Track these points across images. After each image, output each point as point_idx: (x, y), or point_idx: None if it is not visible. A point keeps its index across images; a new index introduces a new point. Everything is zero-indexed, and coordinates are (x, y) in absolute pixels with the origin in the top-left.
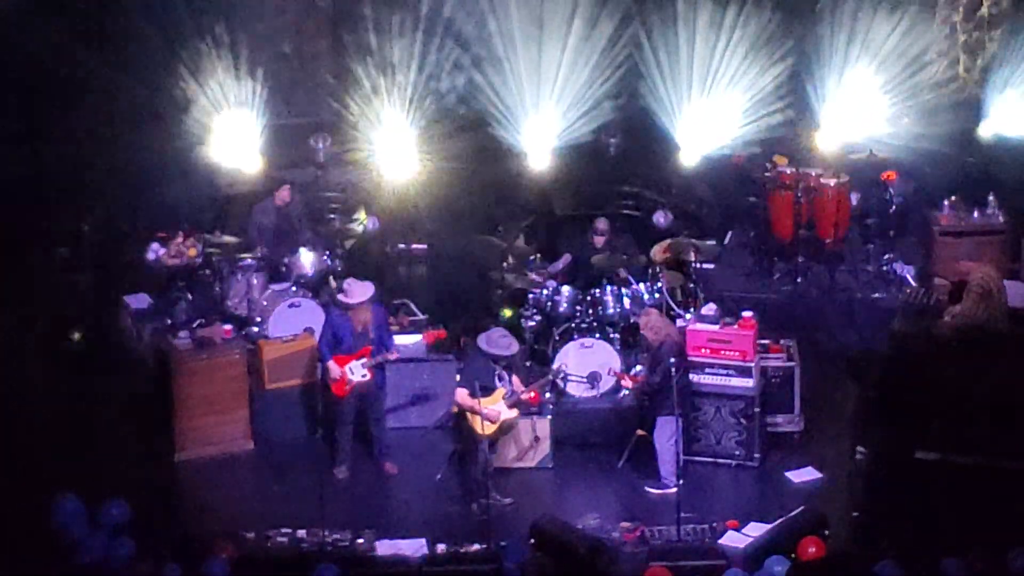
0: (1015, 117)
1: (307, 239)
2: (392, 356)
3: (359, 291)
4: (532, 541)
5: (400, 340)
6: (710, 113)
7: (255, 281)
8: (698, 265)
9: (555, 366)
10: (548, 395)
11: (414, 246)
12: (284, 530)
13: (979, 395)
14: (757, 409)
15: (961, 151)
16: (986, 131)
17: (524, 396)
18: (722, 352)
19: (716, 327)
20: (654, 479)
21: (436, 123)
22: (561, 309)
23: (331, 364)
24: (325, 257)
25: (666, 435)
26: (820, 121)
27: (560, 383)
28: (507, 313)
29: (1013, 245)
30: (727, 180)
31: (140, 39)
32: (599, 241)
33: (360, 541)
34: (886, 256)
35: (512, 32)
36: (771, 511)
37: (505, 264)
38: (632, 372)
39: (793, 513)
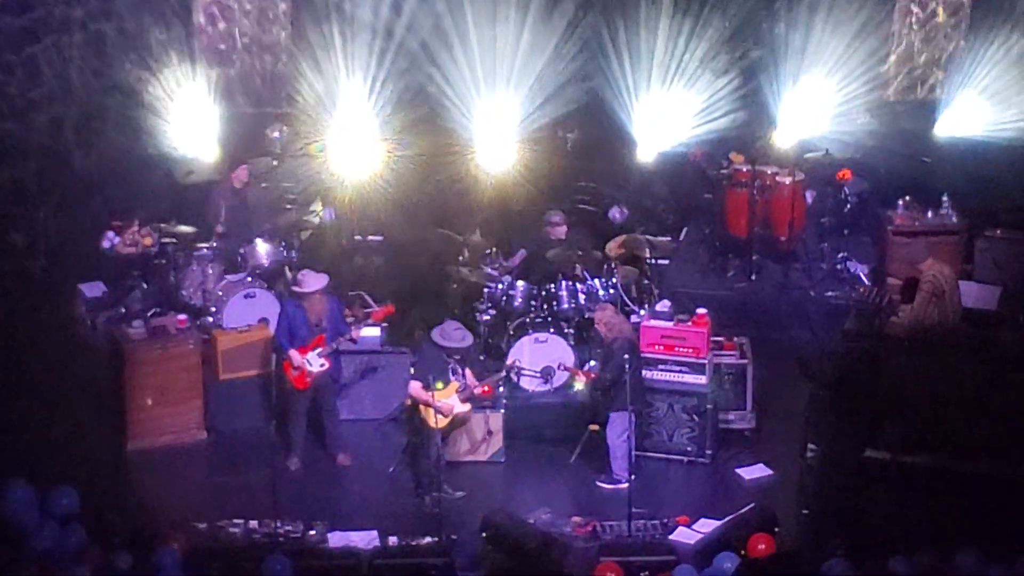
0: (970, 118)
1: (264, 229)
2: (354, 335)
3: (313, 280)
4: (483, 535)
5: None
6: (668, 110)
7: (210, 271)
8: (653, 261)
9: (509, 361)
10: (501, 389)
11: (370, 238)
12: (236, 521)
13: (930, 395)
14: (709, 406)
15: (916, 151)
16: (941, 132)
17: (477, 390)
18: (676, 349)
19: (670, 324)
20: (606, 474)
21: (393, 115)
22: (516, 304)
23: (293, 354)
24: (281, 248)
25: (618, 430)
26: (777, 119)
27: (514, 377)
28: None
29: (966, 246)
30: (683, 176)
31: (97, 26)
32: (556, 232)
33: (312, 533)
34: (840, 255)
35: (470, 28)
36: (722, 508)
37: (461, 258)
38: (586, 367)
39: (743, 510)
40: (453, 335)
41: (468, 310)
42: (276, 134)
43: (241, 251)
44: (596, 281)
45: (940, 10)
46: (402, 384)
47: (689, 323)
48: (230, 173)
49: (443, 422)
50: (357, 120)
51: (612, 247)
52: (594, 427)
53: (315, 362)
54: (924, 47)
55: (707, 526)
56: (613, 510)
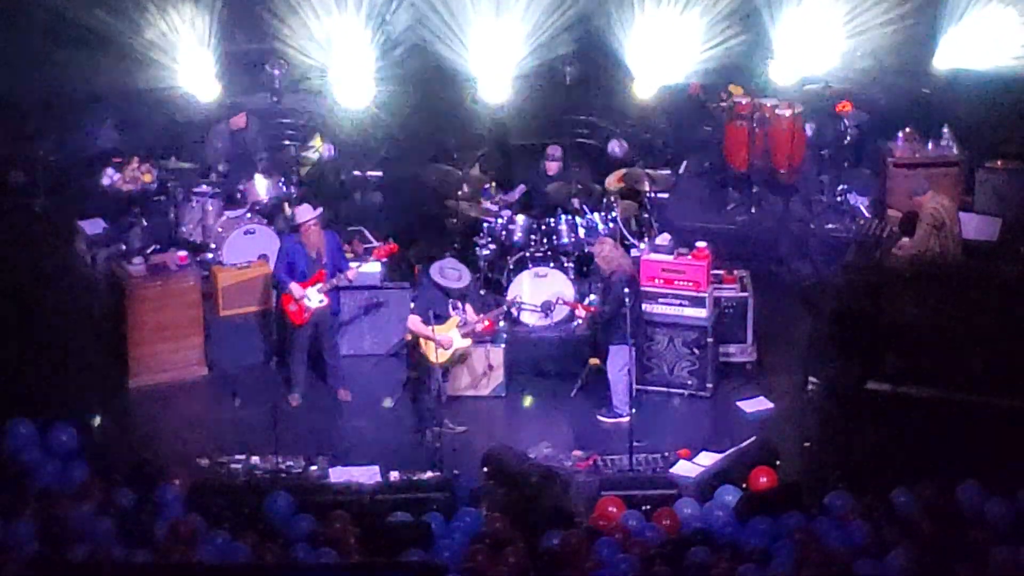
0: (970, 49)
1: (263, 166)
2: (349, 275)
3: (303, 211)
4: (485, 469)
5: (355, 267)
6: (666, 42)
7: (210, 207)
8: (652, 195)
9: (509, 296)
10: (502, 324)
11: (369, 173)
12: (238, 457)
13: (931, 327)
14: (710, 339)
15: (916, 83)
16: (941, 63)
17: (479, 326)
18: (676, 282)
19: (670, 257)
20: (607, 408)
21: (392, 50)
22: (516, 238)
23: (294, 286)
24: (280, 184)
25: (619, 364)
26: (776, 52)
27: (514, 312)
28: None
29: (967, 177)
30: (682, 110)
31: None
32: (552, 168)
33: (313, 468)
34: (840, 187)
35: None
36: (723, 441)
37: (460, 193)
38: (586, 301)
39: (745, 443)
40: (450, 274)
41: (468, 244)
42: (275, 71)
43: (240, 187)
44: (596, 215)
45: None
46: (402, 319)
47: (689, 256)
48: (228, 118)
49: (443, 357)
50: (355, 55)
51: (612, 181)
52: (594, 361)
53: (314, 297)
54: None
55: (708, 459)
56: (614, 444)
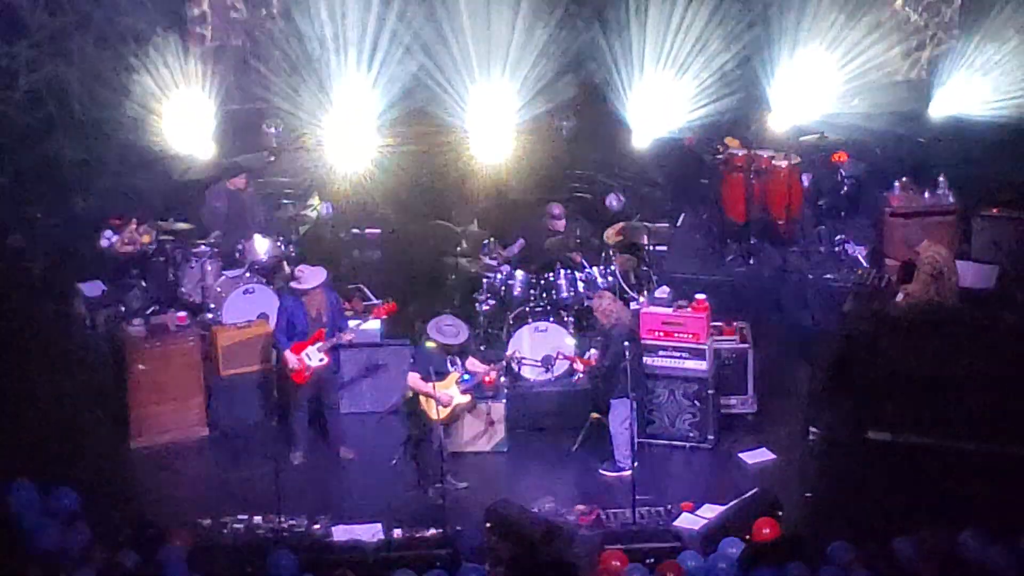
0: (966, 97)
1: (261, 225)
2: (347, 337)
3: (311, 276)
4: (488, 525)
5: (354, 325)
6: (662, 95)
7: (209, 268)
8: (651, 248)
9: (509, 352)
10: (503, 379)
11: (368, 231)
12: (240, 516)
13: (930, 375)
14: (711, 391)
15: (912, 132)
16: (936, 112)
17: (488, 377)
18: (675, 334)
19: (669, 310)
20: (609, 462)
21: (388, 108)
22: (515, 293)
23: (288, 354)
24: (279, 243)
25: (620, 418)
26: (772, 103)
27: (515, 367)
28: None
29: (963, 225)
30: (679, 162)
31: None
32: (558, 225)
33: (316, 527)
34: (838, 237)
35: (463, 17)
36: (725, 493)
37: (459, 249)
38: (586, 355)
39: (747, 495)
40: (447, 331)
41: (467, 300)
42: (272, 129)
43: (239, 247)
44: (595, 269)
45: None
46: (402, 377)
47: (688, 309)
48: (228, 179)
49: (444, 413)
50: (352, 113)
51: (610, 234)
52: (596, 415)
53: (314, 356)
54: (920, 23)
55: (711, 511)
56: (617, 498)
